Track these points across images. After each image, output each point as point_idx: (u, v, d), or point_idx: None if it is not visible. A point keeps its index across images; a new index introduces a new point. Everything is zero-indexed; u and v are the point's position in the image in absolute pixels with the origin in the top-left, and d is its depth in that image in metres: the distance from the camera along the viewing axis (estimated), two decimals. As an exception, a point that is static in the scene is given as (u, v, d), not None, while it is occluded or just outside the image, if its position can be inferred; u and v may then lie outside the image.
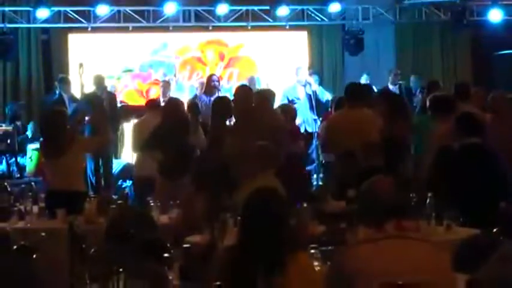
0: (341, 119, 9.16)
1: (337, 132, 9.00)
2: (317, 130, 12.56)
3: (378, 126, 8.52)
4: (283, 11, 15.39)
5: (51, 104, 12.25)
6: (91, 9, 15.06)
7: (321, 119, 12.62)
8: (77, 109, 12.66)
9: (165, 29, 15.54)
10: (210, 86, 12.56)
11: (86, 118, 10.63)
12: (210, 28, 15.70)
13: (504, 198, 7.18)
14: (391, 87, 14.20)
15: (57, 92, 13.50)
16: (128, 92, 15.45)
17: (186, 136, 8.53)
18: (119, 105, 13.28)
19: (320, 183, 12.02)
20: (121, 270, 4.37)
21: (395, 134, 8.37)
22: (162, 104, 12.66)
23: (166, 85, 13.65)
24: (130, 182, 13.10)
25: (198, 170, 7.77)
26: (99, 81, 12.59)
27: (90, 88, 12.60)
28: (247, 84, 13.30)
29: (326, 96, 13.34)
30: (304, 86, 13.51)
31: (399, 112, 8.78)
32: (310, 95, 13.40)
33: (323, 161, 11.38)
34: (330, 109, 11.88)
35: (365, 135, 8.28)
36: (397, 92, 13.74)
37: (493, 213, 6.96)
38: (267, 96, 9.69)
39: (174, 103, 9.46)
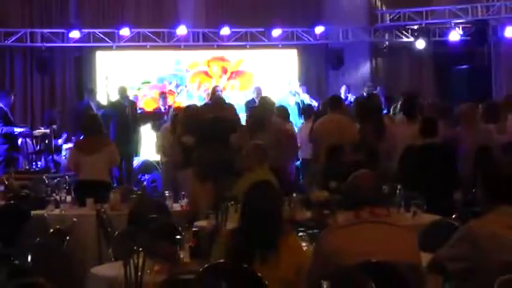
0: (325, 122, 9.14)
1: (322, 132, 8.98)
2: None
3: (353, 128, 8.52)
4: (276, 32, 15.50)
5: (82, 111, 12.26)
6: (115, 31, 15.11)
7: (302, 121, 12.52)
8: (104, 114, 12.68)
9: (178, 47, 15.56)
10: (214, 95, 12.56)
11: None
12: (215, 47, 15.71)
13: (458, 189, 7.19)
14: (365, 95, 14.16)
15: (86, 100, 13.50)
16: (146, 100, 15.41)
17: None
18: (138, 111, 13.27)
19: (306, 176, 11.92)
20: (140, 250, 4.35)
21: (365, 135, 8.36)
22: (164, 111, 13.00)
23: (165, 96, 14.05)
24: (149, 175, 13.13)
25: (202, 164, 7.73)
26: (122, 91, 12.59)
27: (114, 97, 12.60)
28: (255, 93, 13.29)
29: (312, 104, 13.31)
30: (294, 95, 13.54)
31: (369, 116, 8.76)
32: (298, 103, 13.44)
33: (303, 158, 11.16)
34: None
35: (344, 135, 8.28)
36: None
37: (450, 201, 6.97)
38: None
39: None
